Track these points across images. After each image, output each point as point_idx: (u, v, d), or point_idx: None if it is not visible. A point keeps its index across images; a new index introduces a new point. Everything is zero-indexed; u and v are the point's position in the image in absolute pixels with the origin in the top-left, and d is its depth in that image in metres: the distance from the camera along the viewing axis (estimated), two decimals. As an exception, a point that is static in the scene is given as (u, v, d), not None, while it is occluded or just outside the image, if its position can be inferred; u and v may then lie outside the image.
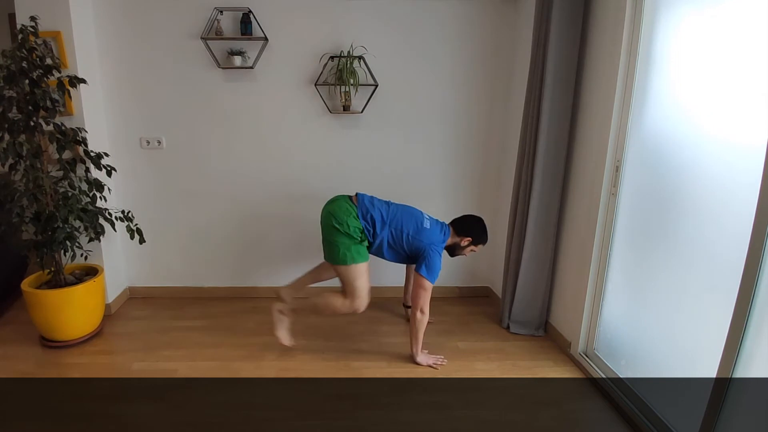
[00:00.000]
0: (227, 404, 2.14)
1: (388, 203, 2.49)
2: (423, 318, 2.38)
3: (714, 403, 1.60)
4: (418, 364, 2.45)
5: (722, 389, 1.56)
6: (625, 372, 2.19)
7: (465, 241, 2.50)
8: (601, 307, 2.37)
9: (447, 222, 2.56)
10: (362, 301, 2.38)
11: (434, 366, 2.45)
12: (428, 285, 2.35)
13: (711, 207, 1.72)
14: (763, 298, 1.45)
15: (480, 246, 2.57)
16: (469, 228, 2.52)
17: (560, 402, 2.20)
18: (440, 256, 2.40)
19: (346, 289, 2.38)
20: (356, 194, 2.47)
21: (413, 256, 2.42)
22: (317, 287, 2.77)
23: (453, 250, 2.55)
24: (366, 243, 2.39)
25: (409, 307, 2.94)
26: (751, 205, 1.47)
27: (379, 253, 2.47)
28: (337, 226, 2.33)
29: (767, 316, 1.45)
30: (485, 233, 2.57)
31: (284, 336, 2.53)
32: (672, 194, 1.91)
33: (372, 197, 2.48)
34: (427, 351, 2.52)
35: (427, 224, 2.43)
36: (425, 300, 2.36)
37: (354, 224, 2.34)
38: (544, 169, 2.55)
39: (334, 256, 2.35)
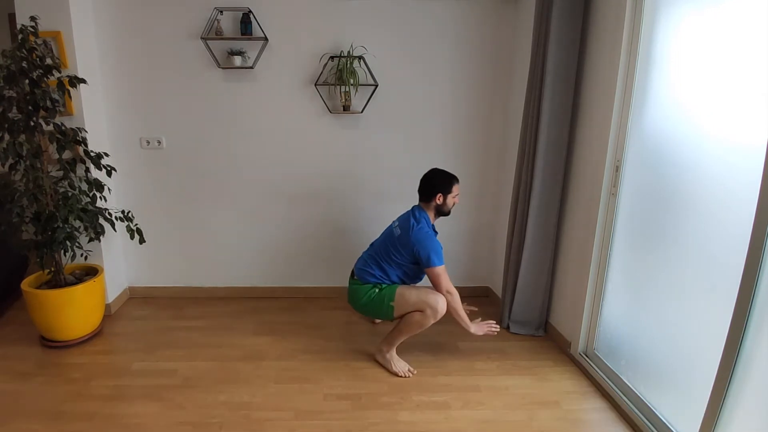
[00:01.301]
0: (227, 404, 2.14)
1: (372, 246, 2.59)
2: (454, 296, 2.36)
3: (714, 403, 1.60)
4: (474, 334, 2.43)
5: (722, 389, 1.56)
6: (625, 372, 2.19)
7: (439, 199, 2.43)
8: (601, 307, 2.37)
9: (415, 205, 2.52)
10: (436, 303, 2.29)
11: (490, 333, 2.46)
12: (440, 269, 2.33)
13: (711, 207, 1.72)
14: (763, 298, 1.45)
15: (455, 188, 2.47)
16: (430, 188, 2.44)
17: (560, 402, 2.20)
18: (431, 235, 2.39)
19: (413, 309, 2.35)
20: (352, 269, 2.57)
21: (418, 260, 2.39)
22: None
23: (441, 213, 2.49)
24: (387, 282, 2.45)
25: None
26: (751, 205, 1.47)
27: (409, 283, 2.52)
28: (362, 302, 2.45)
29: (767, 316, 1.44)
30: (446, 177, 2.46)
31: (401, 364, 2.44)
32: (672, 194, 1.91)
33: (362, 259, 2.55)
34: (480, 319, 2.50)
35: (396, 231, 2.45)
36: (447, 282, 2.35)
37: (367, 290, 2.43)
38: (544, 169, 2.55)
39: (380, 314, 2.46)
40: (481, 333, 2.44)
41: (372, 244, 2.61)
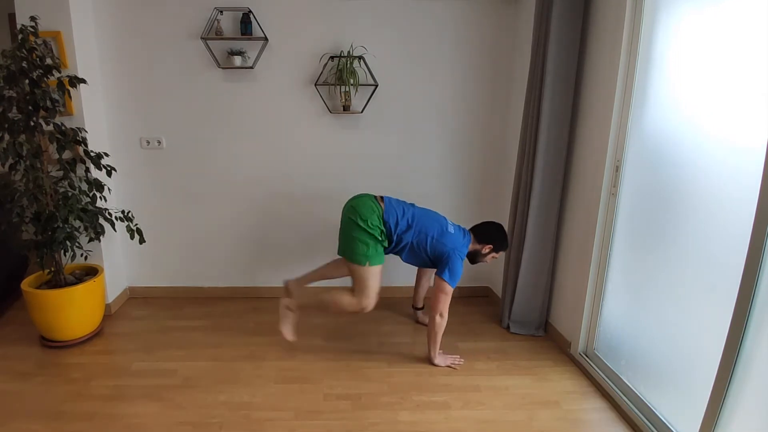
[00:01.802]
0: (227, 404, 2.14)
1: (413, 206, 2.49)
2: (442, 322, 2.38)
3: (714, 403, 1.60)
4: (435, 365, 2.46)
5: (722, 389, 1.56)
6: (625, 372, 2.19)
7: (486, 249, 2.48)
8: (601, 307, 2.37)
9: (468, 228, 2.55)
10: (371, 300, 2.37)
11: (453, 366, 2.46)
12: (449, 289, 2.34)
13: (711, 207, 1.72)
14: (763, 298, 1.45)
15: (502, 254, 2.58)
16: (491, 236, 2.50)
17: (560, 402, 2.20)
18: (462, 261, 2.39)
19: (356, 287, 2.37)
20: (382, 197, 2.45)
21: (435, 260, 2.40)
22: (325, 285, 2.76)
23: (474, 257, 2.52)
24: (385, 244, 2.38)
25: (419, 309, 2.95)
26: (751, 205, 1.47)
27: (399, 255, 2.48)
28: (360, 222, 2.30)
29: (767, 316, 1.45)
30: (506, 240, 2.55)
31: (288, 331, 2.53)
32: (672, 194, 1.91)
33: (399, 200, 2.47)
34: (442, 351, 2.52)
35: (451, 229, 2.43)
36: (445, 304, 2.36)
37: (376, 224, 2.32)
38: (544, 169, 2.55)
39: (352, 253, 2.33)
40: (443, 364, 2.47)
41: (413, 204, 2.51)
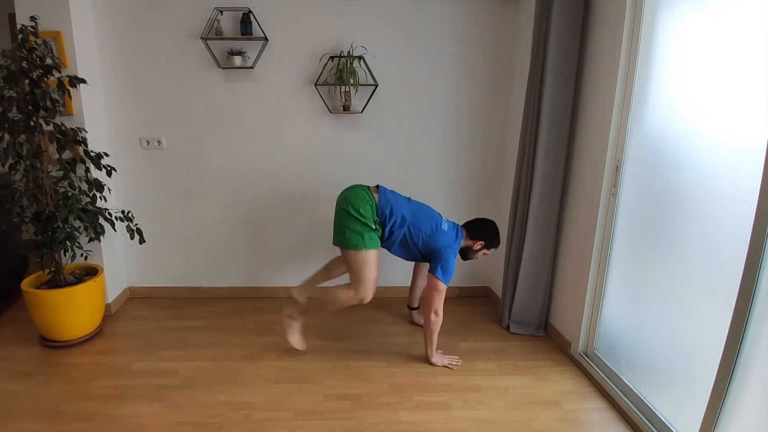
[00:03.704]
0: (227, 404, 2.14)
1: (408, 200, 2.47)
2: (437, 320, 2.38)
3: (714, 403, 1.60)
4: (433, 365, 2.46)
5: (722, 389, 1.56)
6: (625, 372, 2.19)
7: (478, 245, 2.49)
8: (601, 307, 2.37)
9: (460, 224, 2.55)
10: (368, 290, 2.33)
11: (450, 366, 2.46)
12: (442, 287, 2.34)
13: (711, 207, 1.72)
14: (763, 298, 1.45)
15: (492, 250, 2.58)
16: (483, 232, 2.51)
17: (560, 402, 2.20)
18: (455, 258, 2.39)
19: (352, 278, 2.36)
20: (377, 186, 2.44)
21: (426, 256, 2.41)
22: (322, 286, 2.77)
23: (466, 254, 2.53)
24: (379, 233, 2.36)
25: (414, 308, 2.94)
26: (751, 205, 1.47)
27: (388, 248, 2.46)
28: (352, 212, 2.28)
29: (767, 316, 1.45)
30: (497, 237, 2.56)
31: (297, 340, 2.51)
32: (672, 194, 1.91)
33: (393, 191, 2.45)
34: (441, 351, 2.52)
35: (444, 226, 2.42)
36: (439, 302, 2.36)
37: (369, 214, 2.30)
38: (544, 169, 2.55)
39: (345, 239, 2.30)
40: (440, 364, 2.47)
41: (408, 198, 2.49)
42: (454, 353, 2.57)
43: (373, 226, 2.31)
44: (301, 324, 2.55)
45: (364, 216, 2.29)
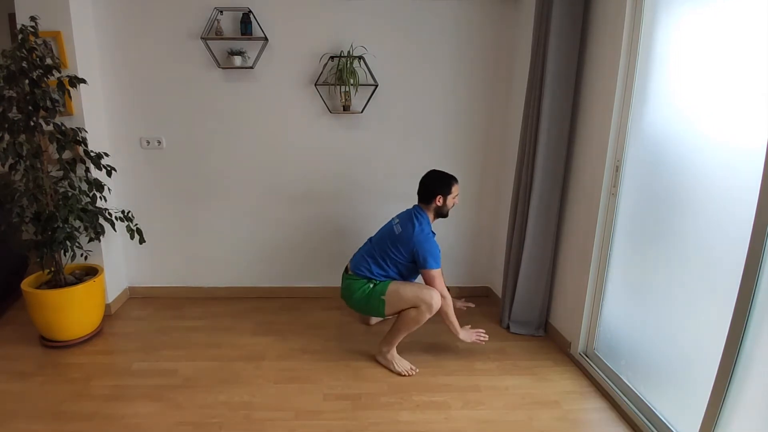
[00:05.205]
0: (227, 404, 2.14)
1: (370, 240, 2.58)
2: (447, 301, 2.37)
3: (714, 403, 1.60)
4: (462, 341, 2.47)
5: (722, 389, 1.56)
6: (625, 372, 2.19)
7: (439, 201, 2.43)
8: (601, 307, 2.37)
9: (414, 205, 2.52)
10: (431, 299, 2.29)
11: (478, 341, 2.47)
12: (436, 272, 2.35)
13: (711, 207, 1.72)
14: (763, 298, 1.45)
15: (455, 188, 2.47)
16: (430, 190, 2.44)
17: (560, 402, 2.20)
18: (431, 237, 2.40)
19: (409, 306, 2.34)
20: (348, 263, 2.57)
21: (415, 259, 2.40)
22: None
23: (441, 214, 2.49)
24: (380, 278, 2.45)
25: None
26: (751, 205, 1.47)
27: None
28: (355, 298, 2.44)
29: (767, 316, 1.45)
30: (445, 178, 2.46)
31: (405, 365, 2.43)
32: (672, 194, 1.91)
33: (358, 255, 2.55)
34: (469, 326, 2.52)
35: (397, 229, 2.44)
36: (441, 285, 2.37)
37: (361, 285, 2.43)
38: (544, 169, 2.55)
39: (375, 310, 2.43)
40: (469, 340, 2.47)
41: (369, 240, 2.61)
42: (455, 352, 2.57)
43: (372, 283, 2.42)
44: (394, 355, 2.46)
45: (361, 290, 2.42)
